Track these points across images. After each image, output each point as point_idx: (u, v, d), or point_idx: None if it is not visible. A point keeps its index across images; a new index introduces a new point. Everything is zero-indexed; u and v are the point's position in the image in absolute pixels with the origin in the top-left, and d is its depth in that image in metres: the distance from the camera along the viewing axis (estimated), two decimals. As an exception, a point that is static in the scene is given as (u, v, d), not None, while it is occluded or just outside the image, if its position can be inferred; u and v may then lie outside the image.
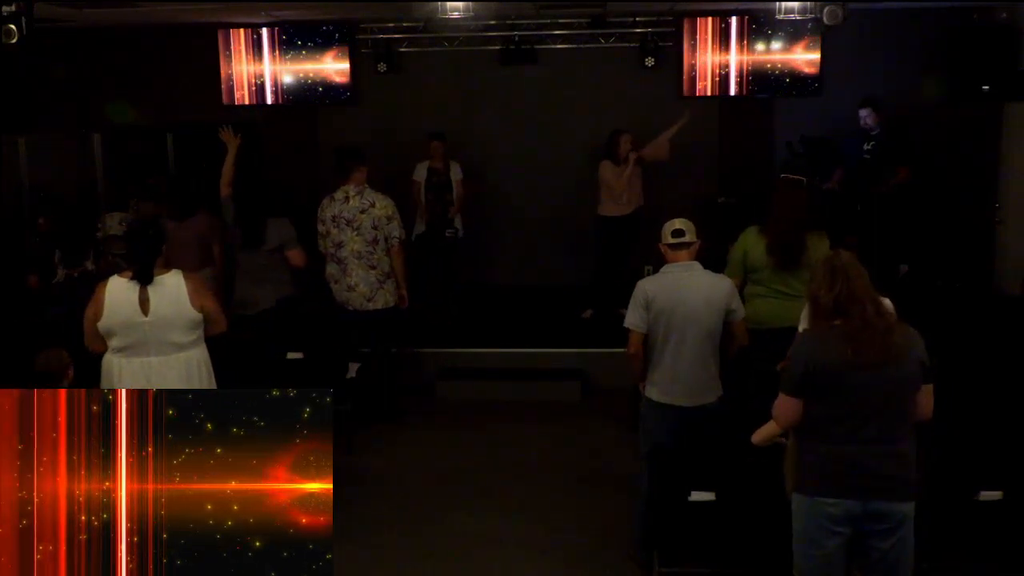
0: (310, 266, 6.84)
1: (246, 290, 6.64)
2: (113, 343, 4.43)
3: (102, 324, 4.39)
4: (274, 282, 6.63)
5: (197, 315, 4.46)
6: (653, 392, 4.72)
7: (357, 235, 6.58)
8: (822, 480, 3.45)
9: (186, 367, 4.46)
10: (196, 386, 4.43)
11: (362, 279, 6.62)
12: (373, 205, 6.61)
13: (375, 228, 6.58)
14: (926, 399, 3.48)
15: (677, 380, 4.63)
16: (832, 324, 3.44)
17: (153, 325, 4.38)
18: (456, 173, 8.91)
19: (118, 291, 4.40)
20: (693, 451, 4.63)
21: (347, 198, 6.60)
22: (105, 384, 4.45)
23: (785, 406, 3.54)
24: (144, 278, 4.39)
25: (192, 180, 8.87)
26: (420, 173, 8.81)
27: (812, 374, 3.43)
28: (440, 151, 8.83)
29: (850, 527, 3.44)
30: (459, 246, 8.88)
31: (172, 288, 4.43)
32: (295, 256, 6.66)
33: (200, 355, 4.55)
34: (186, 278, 4.48)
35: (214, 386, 4.58)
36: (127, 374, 4.41)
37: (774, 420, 3.67)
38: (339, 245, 6.61)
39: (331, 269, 6.72)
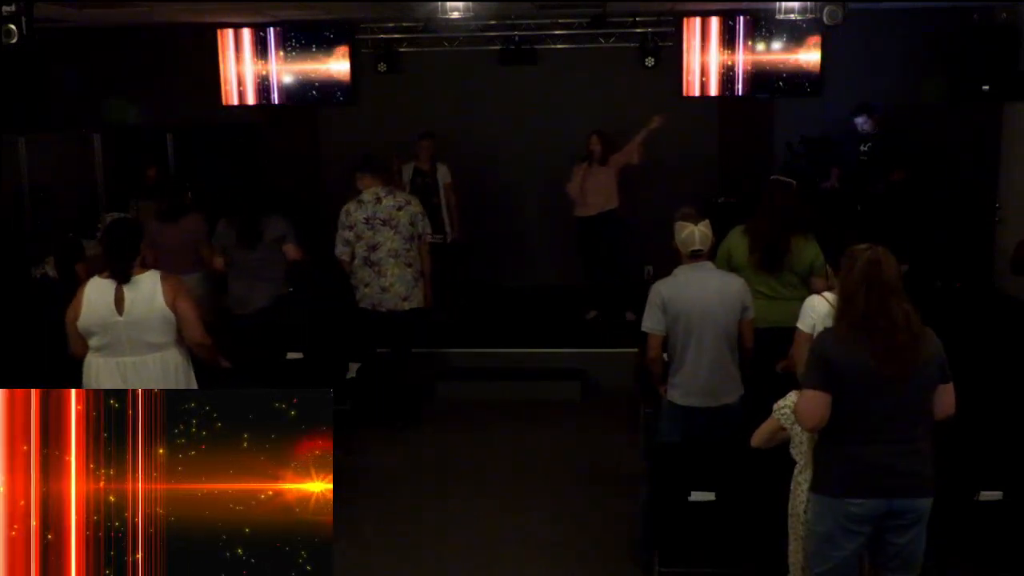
0: (303, 266, 6.84)
1: (241, 289, 6.63)
2: (92, 343, 4.45)
3: (81, 323, 4.42)
4: (269, 280, 6.62)
5: (171, 315, 4.45)
6: (676, 395, 4.70)
7: (395, 234, 6.54)
8: (848, 481, 3.42)
9: (162, 368, 4.45)
10: (172, 387, 4.40)
11: (398, 278, 6.59)
12: (409, 203, 6.64)
13: (412, 225, 6.58)
14: (946, 398, 3.48)
15: (699, 381, 4.62)
16: (857, 331, 3.37)
17: (127, 324, 4.39)
18: (444, 175, 8.71)
19: (95, 290, 4.44)
20: (693, 451, 4.63)
21: (378, 199, 6.55)
22: (85, 384, 4.46)
23: (813, 401, 3.40)
24: (121, 277, 4.40)
25: (186, 182, 8.87)
26: (405, 174, 8.60)
27: (832, 373, 3.37)
28: (428, 151, 8.64)
29: (871, 526, 3.43)
30: (448, 249, 8.81)
31: (147, 288, 4.43)
32: (292, 250, 6.66)
33: (176, 356, 4.53)
34: (163, 279, 4.48)
35: (193, 387, 4.56)
36: (104, 374, 4.42)
37: (800, 420, 3.56)
38: (374, 247, 6.54)
39: (362, 274, 6.61)
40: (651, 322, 4.65)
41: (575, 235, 8.62)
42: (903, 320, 3.36)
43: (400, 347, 6.87)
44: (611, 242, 8.40)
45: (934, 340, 3.45)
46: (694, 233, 4.62)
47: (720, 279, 4.69)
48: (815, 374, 3.43)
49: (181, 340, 4.54)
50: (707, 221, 4.68)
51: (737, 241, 5.52)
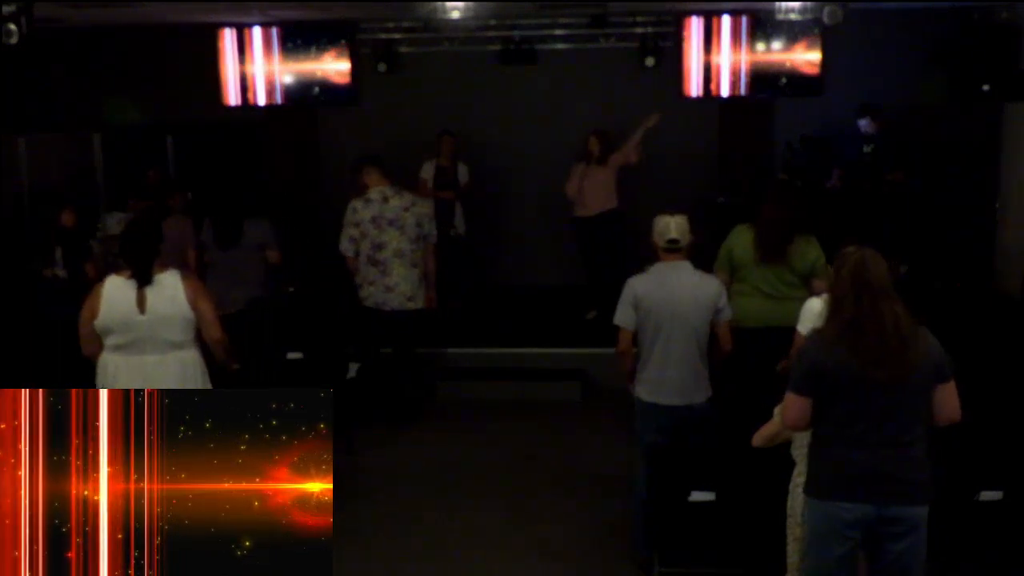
0: (282, 266, 6.93)
1: (219, 289, 6.61)
2: (109, 341, 4.43)
3: (99, 322, 4.40)
4: (246, 283, 6.63)
5: (191, 314, 4.46)
6: (642, 391, 4.74)
7: (400, 234, 6.55)
8: (837, 484, 3.40)
9: (181, 367, 4.46)
10: (191, 387, 4.42)
11: (404, 278, 6.60)
12: (416, 203, 6.64)
13: (418, 226, 6.59)
14: (948, 399, 3.37)
15: (665, 379, 4.65)
16: (845, 334, 3.33)
17: (150, 323, 4.38)
18: (463, 174, 8.85)
19: (115, 289, 4.42)
20: (693, 451, 4.64)
21: (385, 198, 6.55)
22: (100, 383, 4.44)
23: (793, 405, 3.44)
24: (143, 278, 4.40)
25: (183, 183, 8.88)
26: (428, 171, 8.69)
27: (820, 376, 3.36)
28: (451, 147, 8.74)
29: (863, 531, 3.39)
30: (463, 245, 8.83)
31: (169, 287, 4.44)
32: (274, 255, 6.77)
33: (194, 356, 4.54)
34: (183, 278, 4.50)
35: (209, 387, 4.57)
36: (123, 373, 4.40)
37: (781, 420, 3.59)
38: (379, 246, 6.54)
39: (367, 272, 6.62)
40: (622, 317, 4.70)
41: (574, 236, 8.62)
42: (892, 323, 3.31)
43: (403, 347, 6.86)
44: (611, 242, 8.39)
45: (928, 340, 3.37)
46: (669, 223, 4.65)
47: (696, 279, 4.68)
48: (797, 378, 3.43)
49: (197, 339, 4.54)
50: (685, 216, 4.70)
51: (740, 236, 5.52)
